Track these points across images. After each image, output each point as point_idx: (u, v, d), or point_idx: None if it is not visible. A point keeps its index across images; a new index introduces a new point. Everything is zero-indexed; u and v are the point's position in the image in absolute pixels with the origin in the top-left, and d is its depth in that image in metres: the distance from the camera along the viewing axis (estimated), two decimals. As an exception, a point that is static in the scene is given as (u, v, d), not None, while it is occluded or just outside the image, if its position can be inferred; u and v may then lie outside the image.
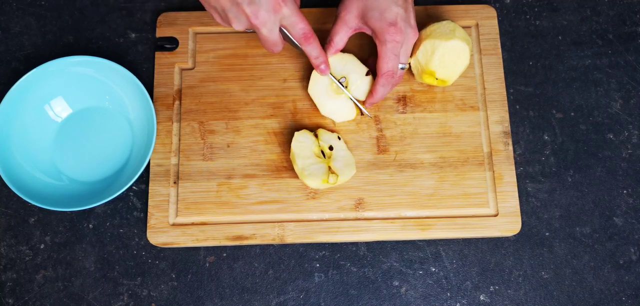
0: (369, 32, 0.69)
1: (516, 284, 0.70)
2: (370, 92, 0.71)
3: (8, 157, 0.70)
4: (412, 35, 0.67)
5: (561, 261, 0.71)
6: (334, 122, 0.74)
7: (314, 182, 0.68)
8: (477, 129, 0.74)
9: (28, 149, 0.73)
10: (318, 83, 0.72)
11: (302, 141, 0.70)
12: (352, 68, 0.72)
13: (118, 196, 0.72)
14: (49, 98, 0.74)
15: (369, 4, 0.66)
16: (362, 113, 0.73)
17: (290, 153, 0.70)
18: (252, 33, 0.76)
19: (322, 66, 0.69)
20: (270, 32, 0.63)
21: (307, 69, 0.76)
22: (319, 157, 0.70)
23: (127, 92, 0.74)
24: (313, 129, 0.73)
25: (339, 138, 0.72)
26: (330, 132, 0.73)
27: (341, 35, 0.69)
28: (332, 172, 0.69)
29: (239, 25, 0.63)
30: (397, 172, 0.72)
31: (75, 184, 0.73)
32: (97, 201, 0.68)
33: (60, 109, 0.75)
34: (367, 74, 0.71)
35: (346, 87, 0.71)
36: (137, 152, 0.73)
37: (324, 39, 0.70)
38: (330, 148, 0.71)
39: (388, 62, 0.67)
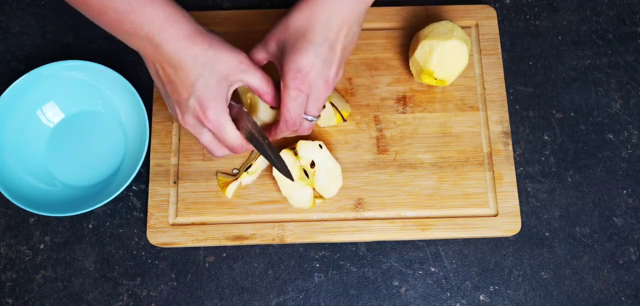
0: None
1: (516, 284, 0.70)
2: (273, 128, 0.64)
3: (0, 163, 0.70)
4: (323, 89, 0.59)
5: (561, 261, 0.71)
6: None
7: (303, 206, 0.68)
8: (477, 129, 0.74)
9: (20, 154, 0.72)
10: None
11: None
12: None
13: (118, 196, 0.72)
14: (41, 103, 0.74)
15: (291, 39, 0.58)
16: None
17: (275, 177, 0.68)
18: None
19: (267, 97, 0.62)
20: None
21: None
22: (303, 179, 0.68)
23: (119, 95, 0.73)
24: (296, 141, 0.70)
25: (321, 146, 0.69)
26: (310, 141, 0.69)
27: (255, 56, 0.62)
28: (318, 194, 0.68)
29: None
30: (397, 172, 0.72)
31: (68, 189, 0.72)
32: (91, 206, 0.68)
33: (52, 114, 0.75)
34: (272, 107, 0.63)
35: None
36: (130, 156, 0.73)
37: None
38: (312, 164, 0.68)
39: (289, 109, 0.59)
